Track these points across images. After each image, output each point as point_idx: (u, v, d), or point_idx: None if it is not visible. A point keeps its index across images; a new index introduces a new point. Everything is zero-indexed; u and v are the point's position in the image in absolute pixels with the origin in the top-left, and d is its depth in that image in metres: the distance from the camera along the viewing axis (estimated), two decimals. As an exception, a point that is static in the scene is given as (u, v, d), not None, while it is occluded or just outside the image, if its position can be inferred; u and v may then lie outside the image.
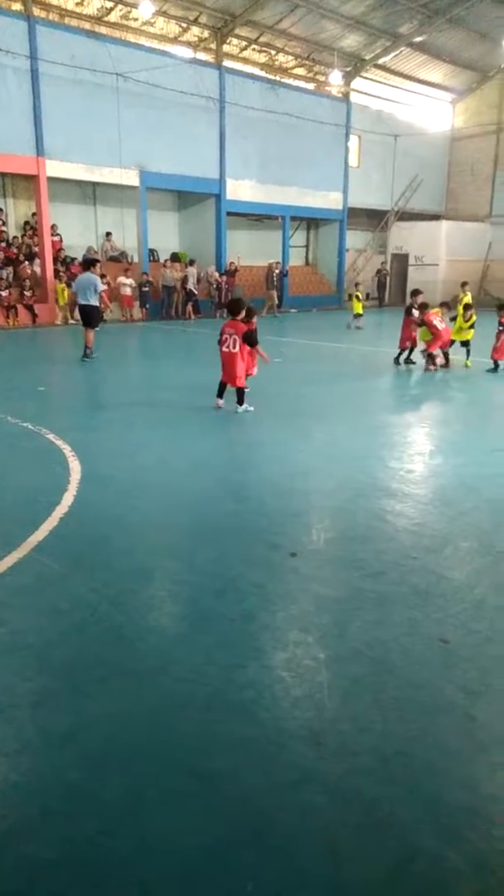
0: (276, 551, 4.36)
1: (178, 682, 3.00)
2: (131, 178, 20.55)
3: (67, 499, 5.25)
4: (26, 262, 19.63)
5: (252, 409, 8.30)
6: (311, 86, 26.31)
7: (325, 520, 5.10)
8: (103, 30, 20.29)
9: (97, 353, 12.82)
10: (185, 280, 21.40)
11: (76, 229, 21.76)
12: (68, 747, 2.61)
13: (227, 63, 22.82)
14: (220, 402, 8.45)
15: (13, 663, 3.16)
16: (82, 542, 4.50)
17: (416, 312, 12.16)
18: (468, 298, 15.70)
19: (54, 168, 18.79)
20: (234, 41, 23.28)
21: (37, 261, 19.67)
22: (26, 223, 20.62)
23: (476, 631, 3.44)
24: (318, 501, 5.48)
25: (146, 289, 21.17)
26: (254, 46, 24.03)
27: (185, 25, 22.00)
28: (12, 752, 2.60)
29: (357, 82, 26.96)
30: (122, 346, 14.39)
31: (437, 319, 11.70)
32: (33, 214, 20.13)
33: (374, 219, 29.88)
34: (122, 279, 20.22)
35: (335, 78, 24.40)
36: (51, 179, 18.91)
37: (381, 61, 26.38)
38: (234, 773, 2.48)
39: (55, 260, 19.80)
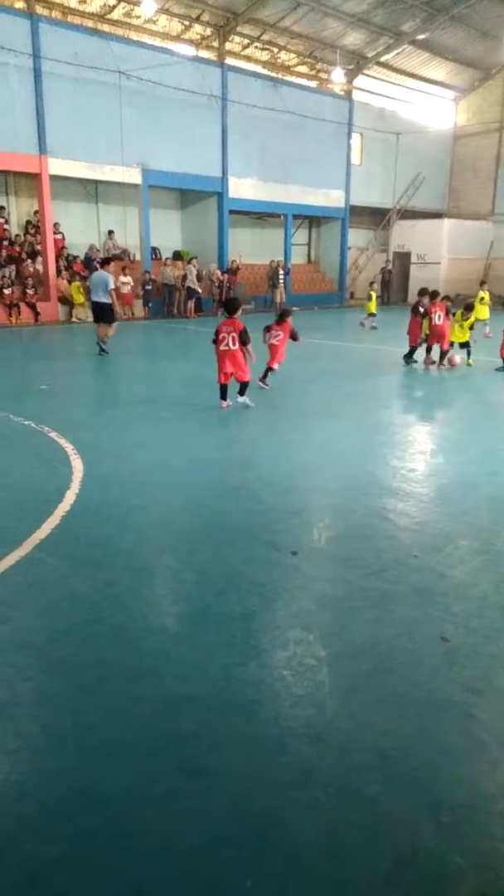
0: (276, 550, 4.37)
1: (179, 681, 3.00)
2: (133, 176, 20.54)
3: (69, 497, 5.26)
4: (29, 261, 19.64)
5: (252, 404, 8.44)
6: (313, 84, 26.27)
7: (325, 518, 5.10)
8: (106, 28, 20.28)
9: (107, 350, 13.05)
10: (184, 278, 21.39)
11: (78, 227, 21.76)
12: (69, 746, 2.62)
13: (229, 61, 22.79)
14: (226, 403, 8.46)
15: (14, 661, 3.17)
16: (84, 540, 4.51)
17: (421, 309, 12.16)
18: (487, 297, 15.67)
19: (57, 166, 18.79)
20: (237, 39, 23.25)
21: (39, 259, 19.67)
22: (28, 221, 20.62)
23: (476, 629, 3.44)
24: (319, 500, 5.48)
25: (149, 287, 21.17)
26: (256, 44, 24.00)
27: (187, 23, 21.98)
28: (13, 751, 2.61)
29: (359, 80, 26.91)
30: (123, 344, 14.38)
31: (439, 313, 11.69)
32: (35, 213, 20.14)
33: (377, 217, 29.84)
34: (122, 278, 20.22)
35: (337, 76, 24.35)
36: (53, 177, 18.91)
37: (383, 59, 26.32)
38: (235, 772, 2.48)
39: (58, 258, 19.80)
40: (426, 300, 12.31)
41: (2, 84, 17.45)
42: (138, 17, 20.77)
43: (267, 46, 24.36)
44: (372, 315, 18.26)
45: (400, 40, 25.28)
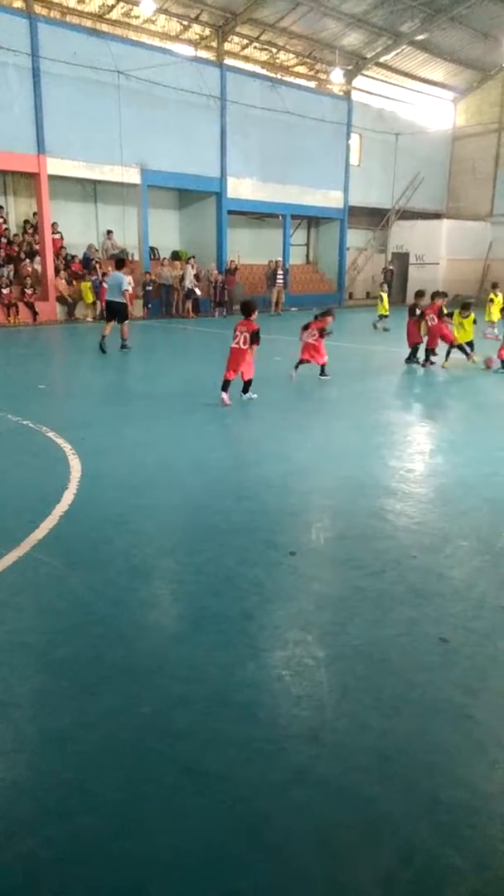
0: (275, 550, 4.37)
1: (177, 682, 3.00)
2: (132, 175, 20.53)
3: (67, 497, 5.25)
4: (27, 260, 19.62)
5: (255, 395, 8.85)
6: (312, 84, 26.28)
7: (324, 518, 5.10)
8: (105, 27, 20.27)
9: (129, 346, 13.58)
10: (182, 278, 21.38)
11: (77, 227, 21.73)
12: (67, 746, 2.62)
13: (228, 61, 22.79)
14: (226, 396, 8.57)
15: (12, 662, 3.17)
16: (82, 540, 4.50)
17: (418, 311, 12.16)
18: (499, 300, 15.51)
19: (55, 166, 18.77)
20: (236, 39, 23.25)
21: (37, 258, 19.65)
22: (27, 221, 20.60)
23: (475, 630, 3.44)
24: (318, 500, 5.48)
25: (149, 287, 21.16)
26: (255, 44, 24.00)
27: (186, 23, 21.98)
28: (11, 751, 2.61)
29: (358, 80, 26.92)
30: (120, 344, 14.36)
31: (431, 315, 11.74)
32: (34, 214, 20.12)
33: (375, 217, 29.84)
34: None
35: (336, 76, 24.36)
36: (52, 177, 18.89)
37: (382, 59, 26.33)
38: (233, 772, 2.48)
39: (56, 258, 19.80)
40: (423, 302, 12.30)
41: (0, 83, 17.43)
42: (137, 17, 20.77)
43: (266, 47, 24.37)
44: (384, 316, 18.06)
45: (399, 41, 25.30)
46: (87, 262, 20.81)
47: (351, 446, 6.98)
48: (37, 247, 19.80)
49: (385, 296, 18.30)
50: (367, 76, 27.17)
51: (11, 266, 19.19)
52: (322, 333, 10.37)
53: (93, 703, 2.86)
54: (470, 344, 12.19)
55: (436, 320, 11.84)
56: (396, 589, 3.86)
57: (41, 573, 4.02)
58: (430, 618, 3.56)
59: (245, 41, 23.67)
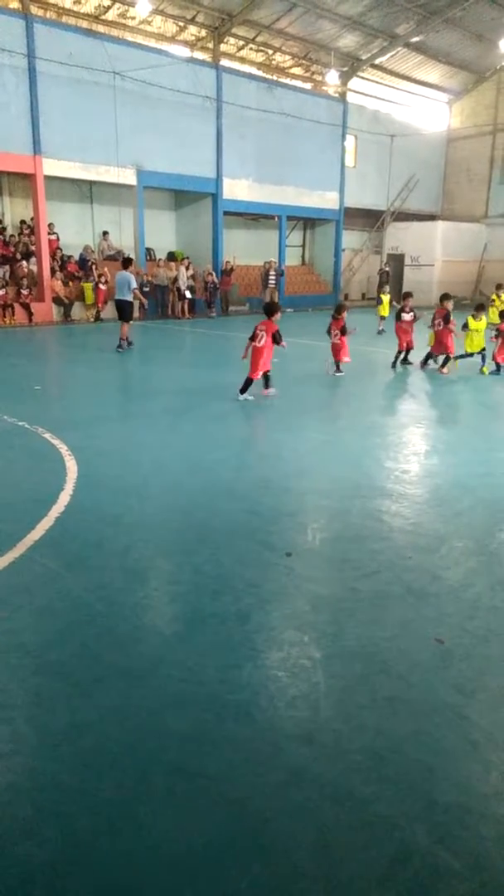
0: (271, 551, 4.37)
1: (174, 683, 3.00)
2: (128, 176, 20.52)
3: (63, 498, 5.25)
4: (23, 261, 19.59)
5: (274, 391, 9.25)
6: (308, 85, 26.30)
7: (320, 519, 5.11)
8: (101, 28, 20.25)
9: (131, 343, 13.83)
10: (176, 279, 21.38)
11: (73, 228, 21.72)
12: (64, 747, 2.62)
13: (224, 62, 22.80)
14: (244, 395, 8.97)
15: (8, 663, 3.16)
16: (78, 541, 4.50)
17: (405, 316, 12.06)
18: (500, 301, 15.22)
19: (51, 166, 18.76)
20: (232, 40, 23.26)
21: (33, 259, 19.62)
22: (23, 221, 20.57)
23: (470, 631, 3.45)
24: (314, 501, 5.49)
25: (146, 289, 21.13)
26: (251, 46, 24.02)
27: (182, 24, 21.97)
28: (7, 753, 2.61)
29: (354, 82, 26.96)
30: (117, 345, 14.35)
31: (439, 320, 11.53)
32: (31, 219, 20.07)
33: (371, 219, 29.88)
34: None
35: (332, 78, 24.40)
36: (48, 178, 18.87)
37: (377, 61, 26.37)
38: (230, 773, 2.49)
39: (52, 258, 19.77)
40: (410, 302, 12.19)
41: (-4, 84, 17.42)
42: (133, 17, 20.76)
43: (262, 48, 24.39)
44: (382, 318, 17.92)
45: (394, 43, 25.35)
46: (83, 262, 20.79)
47: (346, 447, 6.99)
48: (33, 248, 19.78)
49: (386, 298, 18.19)
50: (362, 78, 27.21)
51: (7, 267, 19.16)
52: (343, 332, 10.78)
53: (89, 704, 2.86)
54: (482, 352, 11.77)
55: (442, 325, 11.45)
56: (392, 590, 3.87)
57: (37, 574, 4.02)
58: (426, 618, 3.57)
59: (241, 42, 23.69)
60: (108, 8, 20.24)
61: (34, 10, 18.29)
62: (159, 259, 22.34)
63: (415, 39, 25.22)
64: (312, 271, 29.26)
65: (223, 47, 22.76)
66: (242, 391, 8.96)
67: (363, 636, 3.38)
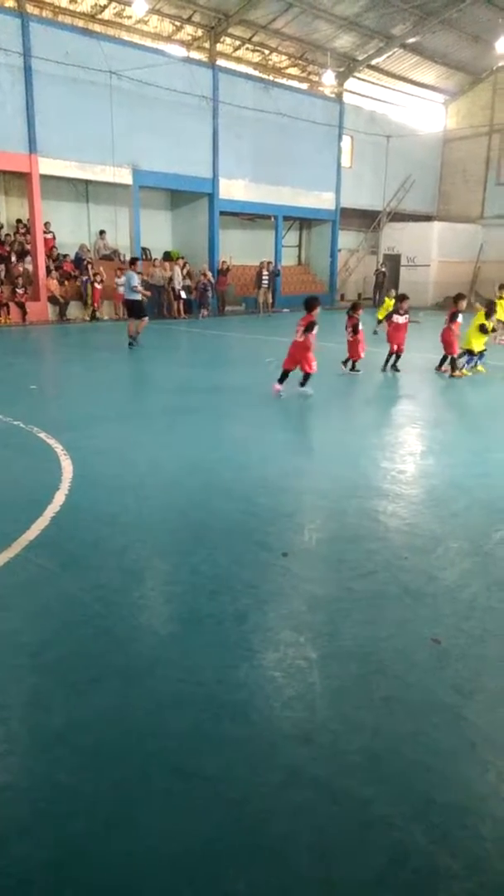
0: (267, 551, 4.37)
1: (171, 683, 3.00)
2: (124, 176, 20.50)
3: (59, 498, 5.24)
4: (19, 260, 19.54)
5: (311, 392, 9.12)
6: (304, 86, 26.31)
7: (316, 520, 5.11)
8: (97, 27, 20.21)
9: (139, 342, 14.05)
10: (170, 279, 21.37)
11: (69, 227, 21.68)
12: (60, 747, 2.61)
13: (220, 62, 22.79)
14: (279, 387, 9.05)
15: (4, 663, 3.15)
16: (74, 541, 4.49)
17: (397, 318, 11.95)
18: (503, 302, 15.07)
19: (47, 166, 18.72)
20: (228, 40, 23.23)
21: (29, 258, 19.58)
22: (19, 221, 20.53)
23: (467, 631, 3.45)
24: (310, 501, 5.49)
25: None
26: (247, 46, 24.00)
27: (178, 24, 21.95)
28: (3, 753, 2.60)
29: (350, 83, 26.97)
30: (114, 344, 14.36)
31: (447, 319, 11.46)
32: (28, 219, 20.03)
33: (367, 219, 29.92)
34: (116, 279, 20.16)
35: (328, 78, 24.40)
36: (43, 177, 18.83)
37: (374, 62, 26.40)
38: (227, 774, 2.48)
39: (48, 257, 19.73)
40: (405, 305, 12.09)
41: (-8, 83, 17.38)
42: (129, 17, 20.72)
43: (258, 48, 24.38)
44: (380, 321, 17.78)
45: (390, 43, 25.38)
46: (78, 262, 20.75)
47: (343, 448, 6.99)
48: (28, 247, 19.74)
49: (391, 301, 17.97)
50: (358, 78, 27.23)
51: (2, 266, 19.12)
52: (356, 330, 10.54)
53: (85, 704, 2.85)
54: (481, 353, 11.78)
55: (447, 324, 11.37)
56: (388, 590, 3.87)
57: (33, 574, 4.00)
58: (422, 618, 3.57)
59: (237, 42, 23.67)
60: (105, 7, 20.20)
61: (30, 8, 18.23)
62: (155, 259, 22.32)
63: (411, 40, 25.26)
64: (308, 271, 29.28)
65: (219, 47, 22.75)
66: (302, 385, 9.09)
67: (360, 636, 3.38)
